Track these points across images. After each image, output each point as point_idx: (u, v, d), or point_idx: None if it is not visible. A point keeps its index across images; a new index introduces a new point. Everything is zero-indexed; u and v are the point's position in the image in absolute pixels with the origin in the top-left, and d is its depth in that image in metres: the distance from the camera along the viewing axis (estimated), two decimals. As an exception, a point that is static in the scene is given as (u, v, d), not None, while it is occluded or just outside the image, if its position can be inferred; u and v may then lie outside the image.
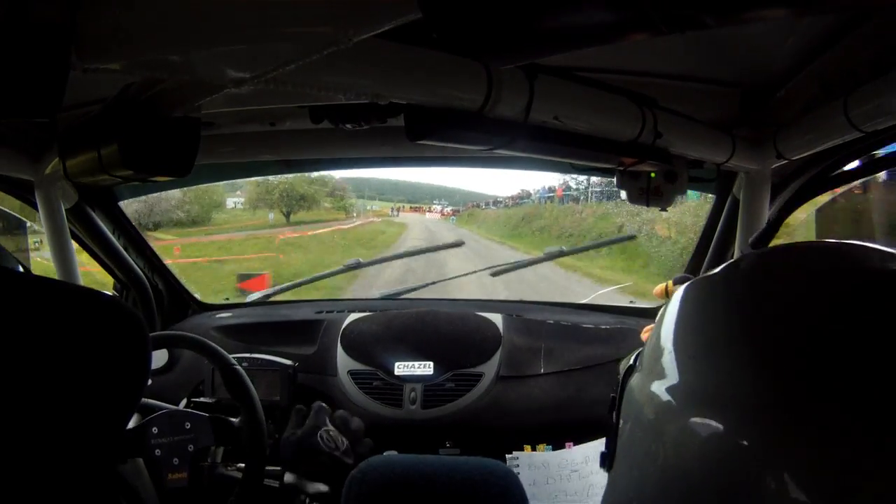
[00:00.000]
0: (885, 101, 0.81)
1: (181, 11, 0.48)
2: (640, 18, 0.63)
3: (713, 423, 0.37)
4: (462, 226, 22.72)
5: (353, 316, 1.58)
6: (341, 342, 1.50)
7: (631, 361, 0.51)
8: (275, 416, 1.34)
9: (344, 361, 1.47)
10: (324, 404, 1.24)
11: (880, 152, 0.98)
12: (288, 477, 1.15)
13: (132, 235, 1.62)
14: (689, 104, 1.03)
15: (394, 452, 1.34)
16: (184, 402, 1.38)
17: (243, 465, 1.15)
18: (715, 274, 0.45)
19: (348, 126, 0.84)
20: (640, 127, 0.90)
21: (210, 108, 0.76)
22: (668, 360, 0.43)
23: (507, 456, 1.29)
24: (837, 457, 0.32)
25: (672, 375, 0.42)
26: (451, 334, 1.49)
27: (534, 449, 1.30)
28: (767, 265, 0.44)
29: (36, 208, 1.34)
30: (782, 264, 0.44)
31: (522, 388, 1.42)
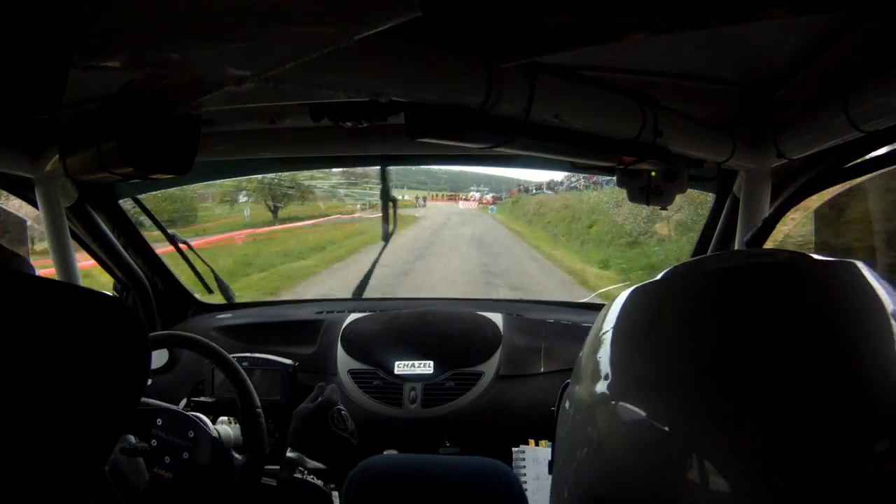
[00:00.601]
0: (885, 101, 0.81)
1: (181, 9, 0.48)
2: (640, 18, 0.64)
3: (637, 408, 0.39)
4: (505, 220, 16.30)
5: (353, 316, 1.58)
6: (341, 342, 1.50)
7: (570, 379, 0.55)
8: (275, 416, 1.34)
9: (344, 361, 1.47)
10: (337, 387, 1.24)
11: (880, 152, 0.98)
12: (290, 453, 1.14)
13: (132, 235, 1.62)
14: (689, 103, 1.03)
15: (393, 452, 1.34)
16: (184, 401, 1.38)
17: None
18: (650, 281, 0.48)
19: (348, 124, 0.84)
20: (641, 125, 0.90)
21: (210, 106, 0.76)
22: (604, 357, 0.46)
23: (513, 449, 1.29)
24: (754, 444, 0.34)
25: (606, 371, 0.45)
26: (451, 333, 1.49)
27: (537, 444, 1.30)
28: (695, 267, 0.48)
29: (36, 206, 1.34)
30: (709, 266, 0.48)
31: (522, 387, 1.42)
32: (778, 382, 0.35)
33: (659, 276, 0.48)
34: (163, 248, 1.75)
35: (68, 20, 0.47)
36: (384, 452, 1.32)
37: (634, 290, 0.48)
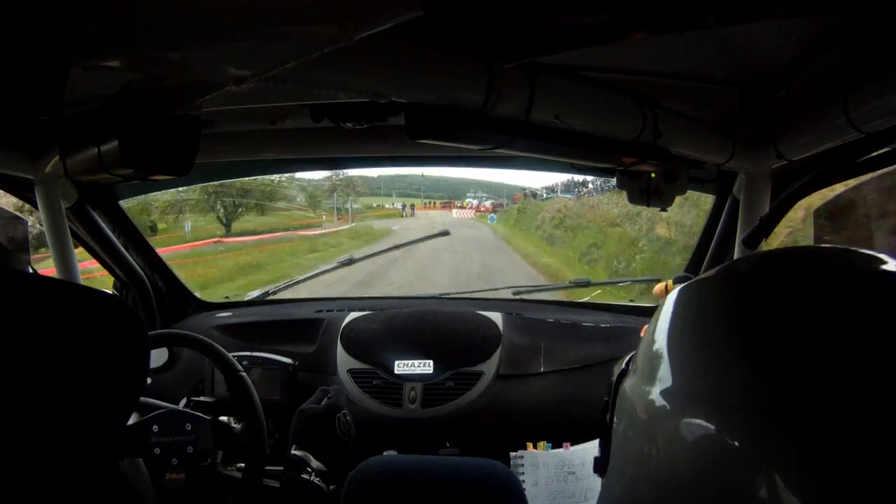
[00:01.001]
0: (885, 102, 0.81)
1: (182, 9, 0.48)
2: (640, 18, 0.64)
3: (705, 423, 0.37)
4: (509, 235, 13.72)
5: (353, 315, 1.58)
6: (341, 341, 1.50)
7: (623, 365, 0.51)
8: (274, 415, 1.34)
9: (344, 360, 1.47)
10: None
11: (880, 152, 0.98)
12: (295, 451, 1.15)
13: (132, 235, 1.62)
14: (689, 104, 1.03)
15: (393, 452, 1.34)
16: (183, 401, 1.38)
17: (243, 465, 1.15)
18: (709, 276, 0.45)
19: (349, 125, 0.84)
20: (641, 126, 0.90)
21: (210, 107, 0.76)
22: (661, 361, 0.43)
23: (511, 454, 1.29)
24: (830, 461, 0.32)
25: (665, 377, 0.42)
26: (451, 333, 1.49)
27: (535, 446, 1.30)
28: (761, 268, 0.45)
29: (36, 207, 1.34)
30: (775, 268, 0.44)
31: (522, 386, 1.42)
32: (860, 397, 0.33)
33: (719, 271, 0.45)
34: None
35: (68, 20, 0.47)
36: (384, 453, 1.32)
37: (696, 284, 0.46)
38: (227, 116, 1.05)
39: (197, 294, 1.82)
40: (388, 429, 1.38)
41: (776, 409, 0.34)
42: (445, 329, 1.50)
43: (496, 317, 1.54)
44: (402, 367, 1.42)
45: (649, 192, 1.12)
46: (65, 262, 1.37)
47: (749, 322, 0.39)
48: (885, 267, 0.40)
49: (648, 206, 1.14)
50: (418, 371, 1.41)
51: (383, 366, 1.43)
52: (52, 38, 0.47)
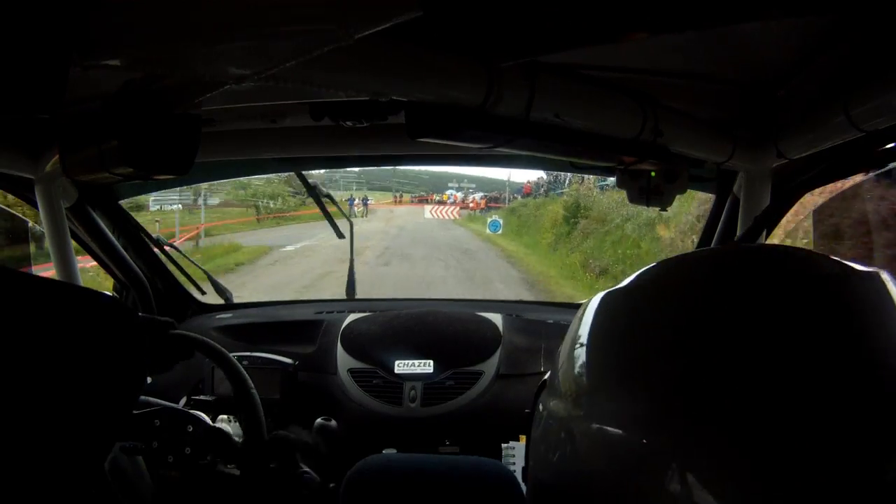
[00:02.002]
0: (885, 101, 0.81)
1: (182, 8, 0.48)
2: (640, 17, 0.64)
3: (614, 417, 0.38)
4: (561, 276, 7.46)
5: (353, 316, 1.58)
6: (341, 341, 1.50)
7: (545, 378, 0.53)
8: (274, 414, 1.34)
9: (344, 360, 1.47)
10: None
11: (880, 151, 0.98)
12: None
13: (132, 235, 1.62)
14: (689, 103, 1.03)
15: (392, 451, 1.34)
16: (183, 400, 1.38)
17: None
18: (619, 287, 0.47)
19: (349, 123, 0.84)
20: (641, 125, 0.90)
21: (211, 105, 0.76)
22: (577, 363, 0.45)
23: (503, 445, 1.28)
24: (739, 460, 0.33)
25: (580, 376, 0.43)
26: (450, 333, 1.49)
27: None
28: (673, 272, 0.46)
29: (36, 207, 1.34)
30: (683, 273, 0.45)
31: (522, 386, 1.42)
32: (774, 393, 0.33)
33: (630, 280, 0.46)
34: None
35: (69, 20, 0.47)
36: (383, 451, 1.32)
37: (607, 294, 0.47)
38: (227, 115, 1.04)
39: (196, 296, 1.82)
40: (387, 427, 1.38)
41: (688, 404, 0.35)
42: (445, 329, 1.50)
43: (496, 317, 1.54)
44: (403, 366, 1.42)
45: (649, 191, 1.12)
46: (64, 262, 1.37)
47: (659, 325, 0.41)
48: (797, 268, 0.41)
49: (648, 205, 1.14)
50: (418, 370, 1.42)
51: (383, 365, 1.43)
52: (53, 37, 0.47)
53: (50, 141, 1.19)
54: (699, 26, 0.65)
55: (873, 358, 0.34)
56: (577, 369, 0.44)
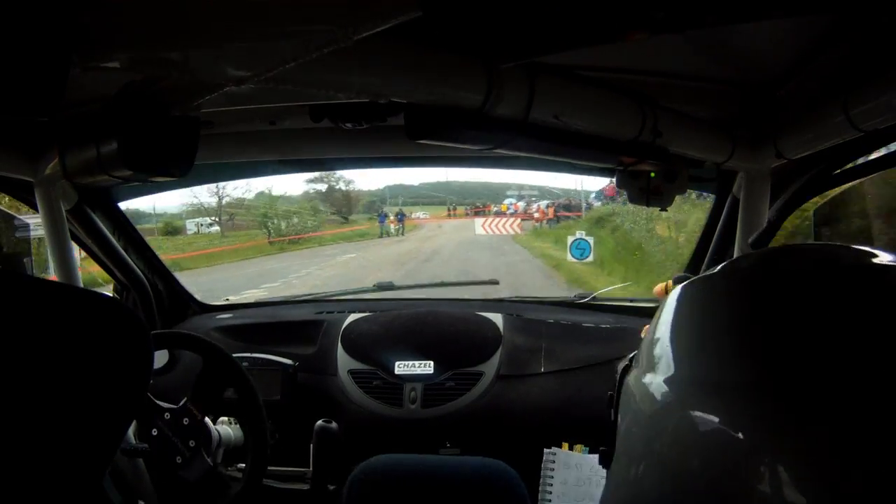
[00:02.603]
0: (885, 101, 0.81)
1: (181, 9, 0.48)
2: (640, 18, 0.64)
3: (709, 416, 0.37)
4: None
5: (354, 316, 1.58)
6: (342, 342, 1.50)
7: (627, 360, 0.51)
8: (274, 416, 1.34)
9: (344, 361, 1.47)
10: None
11: (880, 152, 0.98)
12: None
13: (132, 236, 1.62)
14: (689, 103, 1.03)
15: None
16: (184, 401, 1.38)
17: (243, 465, 1.15)
18: (711, 273, 0.46)
19: (348, 125, 0.84)
20: (640, 126, 0.90)
21: (210, 107, 0.76)
22: (664, 356, 0.43)
23: (545, 450, 1.27)
24: (830, 453, 0.32)
25: (668, 371, 0.42)
26: (451, 334, 1.49)
27: (571, 448, 1.28)
28: (761, 265, 0.45)
29: (36, 209, 1.34)
30: (775, 264, 0.44)
31: (522, 387, 1.42)
32: (863, 392, 0.33)
33: (720, 268, 0.45)
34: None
35: (68, 21, 0.47)
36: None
37: (699, 280, 0.46)
38: (227, 117, 1.04)
39: (197, 296, 1.82)
40: (388, 429, 1.38)
41: (777, 402, 0.35)
42: (446, 330, 1.50)
43: (496, 317, 1.54)
44: (403, 367, 1.42)
45: (649, 191, 1.12)
46: (64, 264, 1.37)
47: (750, 314, 0.40)
48: (875, 261, 0.41)
49: (648, 205, 1.14)
50: (419, 371, 1.41)
51: (384, 366, 1.43)
52: (52, 38, 0.47)
53: (49, 143, 1.19)
54: (699, 27, 0.65)
55: None
56: (669, 357, 0.43)
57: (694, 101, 1.04)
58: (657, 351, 0.44)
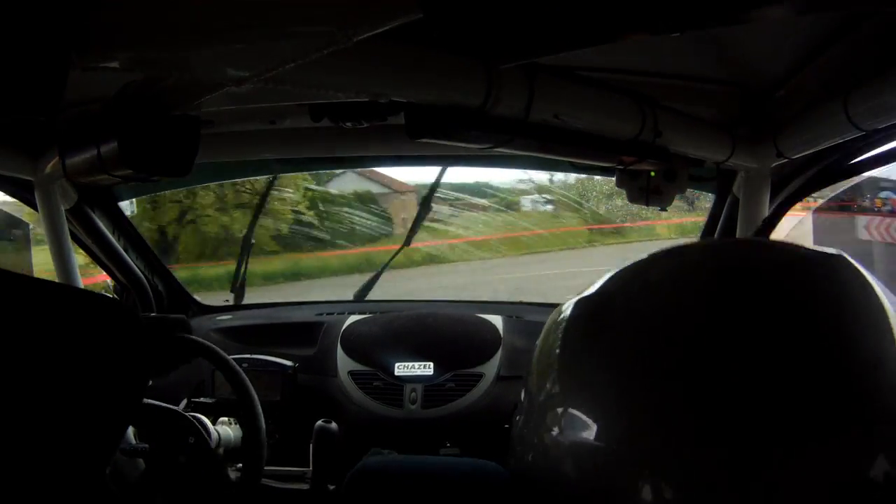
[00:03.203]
0: (885, 101, 0.81)
1: (181, 9, 0.48)
2: (639, 18, 0.64)
3: (587, 420, 0.38)
4: None
5: (354, 318, 1.58)
6: (341, 343, 1.50)
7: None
8: (274, 417, 1.34)
9: (344, 362, 1.47)
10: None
11: (880, 150, 0.98)
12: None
13: (132, 236, 1.62)
14: (689, 103, 1.03)
15: (393, 453, 1.34)
16: (184, 402, 1.38)
17: (242, 465, 1.15)
18: (594, 291, 0.47)
19: (348, 124, 0.84)
20: (640, 125, 0.90)
21: (210, 107, 0.76)
22: (548, 368, 0.45)
23: None
24: (706, 461, 0.33)
25: (551, 383, 0.44)
26: (451, 335, 1.49)
27: None
28: (635, 275, 0.46)
29: (36, 208, 1.34)
30: (651, 266, 0.46)
31: (522, 388, 1.42)
32: (728, 400, 0.33)
33: (598, 286, 0.46)
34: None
35: (68, 21, 0.47)
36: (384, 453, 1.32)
37: (580, 300, 0.47)
38: (227, 117, 1.04)
39: (197, 297, 1.82)
40: (388, 429, 1.38)
41: (645, 410, 0.36)
42: (446, 331, 1.50)
43: (496, 319, 1.54)
44: (403, 368, 1.42)
45: (649, 190, 1.12)
46: (64, 264, 1.37)
47: (624, 327, 0.41)
48: (771, 259, 0.41)
49: (648, 205, 1.14)
50: (419, 372, 1.41)
51: (384, 367, 1.43)
52: (52, 38, 0.47)
53: (49, 143, 1.19)
54: (699, 27, 0.65)
55: (840, 343, 0.35)
56: (549, 374, 0.45)
57: (694, 101, 1.04)
58: (542, 365, 0.47)
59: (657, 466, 0.34)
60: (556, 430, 0.40)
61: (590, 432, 0.37)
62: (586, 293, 0.47)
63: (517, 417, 0.50)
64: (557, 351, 0.45)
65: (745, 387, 0.33)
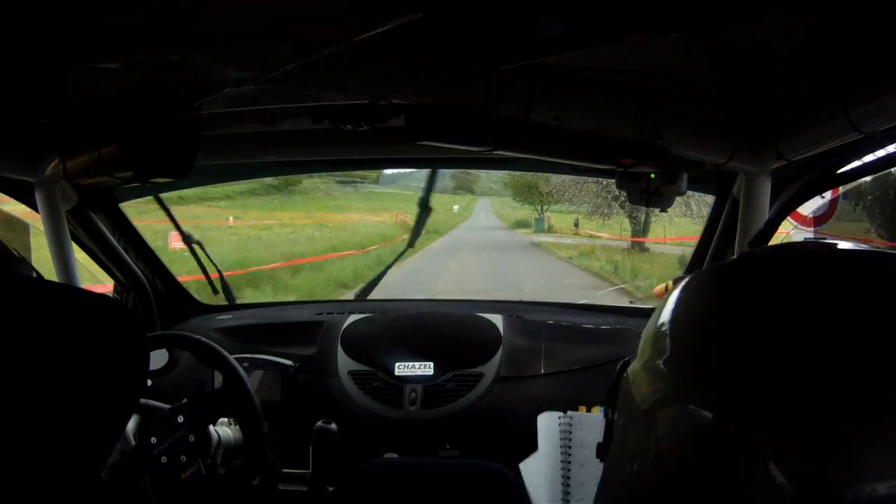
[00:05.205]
0: (885, 101, 0.81)
1: (182, 11, 0.48)
2: (639, 19, 0.64)
3: (704, 411, 0.37)
4: None
5: (354, 317, 1.58)
6: (341, 343, 1.50)
7: (628, 358, 0.51)
8: (274, 416, 1.34)
9: (344, 362, 1.47)
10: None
11: (880, 153, 0.98)
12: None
13: (132, 237, 1.62)
14: (689, 105, 1.03)
15: (394, 455, 1.33)
16: (184, 402, 1.38)
17: (244, 464, 1.15)
18: (714, 268, 0.46)
19: (348, 127, 0.84)
20: (640, 127, 0.91)
21: (210, 109, 0.76)
22: (662, 351, 0.43)
23: (560, 416, 1.19)
24: (822, 444, 0.32)
25: (665, 366, 0.42)
26: (451, 335, 1.49)
27: (589, 410, 1.21)
28: (763, 261, 0.45)
29: (36, 210, 1.34)
30: (777, 261, 0.44)
31: (523, 388, 1.42)
32: (864, 388, 0.33)
33: (719, 265, 0.46)
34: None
35: (69, 23, 0.47)
36: (384, 455, 1.32)
37: (695, 276, 0.46)
38: (227, 118, 1.05)
39: (197, 297, 1.82)
40: (388, 430, 1.38)
41: (772, 396, 0.35)
42: (446, 331, 1.50)
43: (496, 318, 1.54)
44: (403, 368, 1.42)
45: (649, 192, 1.12)
46: (65, 265, 1.37)
47: (749, 312, 0.40)
48: (873, 263, 0.40)
49: (648, 206, 1.14)
50: (419, 372, 1.41)
51: (384, 367, 1.43)
52: (53, 40, 0.47)
53: (50, 144, 1.19)
54: (699, 28, 0.65)
55: None
56: (668, 349, 0.43)
57: (694, 103, 1.04)
58: (654, 347, 0.44)
59: (769, 451, 0.33)
60: (679, 406, 0.39)
61: (711, 417, 0.37)
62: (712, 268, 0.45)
63: (624, 393, 0.47)
64: (676, 327, 0.43)
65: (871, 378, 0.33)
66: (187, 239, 1.71)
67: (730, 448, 0.35)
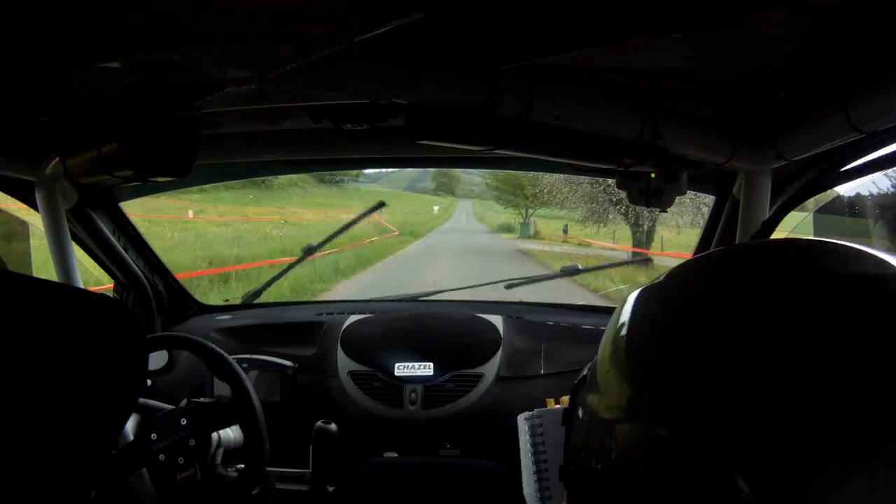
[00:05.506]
0: (885, 102, 0.81)
1: (183, 10, 0.48)
2: (640, 20, 0.64)
3: (659, 428, 0.37)
4: None
5: (354, 318, 1.58)
6: (341, 343, 1.50)
7: (584, 372, 0.51)
8: (274, 417, 1.34)
9: (344, 362, 1.47)
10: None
11: (880, 153, 0.98)
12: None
13: (133, 237, 1.62)
14: (689, 105, 1.03)
15: (394, 454, 1.33)
16: (184, 402, 1.38)
17: (243, 465, 1.15)
18: (659, 281, 0.45)
19: (349, 126, 0.84)
20: (641, 127, 0.91)
21: (211, 108, 0.76)
22: (617, 366, 0.43)
23: (526, 414, 1.09)
24: (784, 457, 0.32)
25: (620, 382, 0.42)
26: (451, 335, 1.49)
27: (557, 402, 1.11)
28: (712, 268, 0.44)
29: (36, 209, 1.34)
30: (725, 267, 0.43)
31: (522, 388, 1.42)
32: (817, 397, 0.32)
33: (666, 275, 0.44)
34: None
35: (69, 22, 0.47)
36: (384, 455, 1.32)
37: (645, 291, 0.45)
38: (227, 117, 1.05)
39: (196, 297, 1.82)
40: (388, 430, 1.38)
41: (731, 411, 0.34)
42: (445, 331, 1.50)
43: (496, 319, 1.54)
44: (403, 368, 1.42)
45: (649, 192, 1.12)
46: (64, 264, 1.37)
47: (701, 323, 0.39)
48: (839, 266, 0.39)
49: (648, 206, 1.14)
50: (419, 373, 1.41)
51: (384, 368, 1.43)
52: (53, 39, 0.47)
53: (50, 143, 1.19)
54: (699, 29, 0.65)
55: None
56: (621, 372, 0.42)
57: (694, 103, 1.04)
58: (608, 364, 0.44)
59: (731, 465, 0.33)
60: (632, 424, 0.39)
61: (671, 434, 0.36)
62: (654, 282, 0.45)
63: (575, 430, 0.47)
64: (629, 347, 0.43)
65: (832, 387, 0.33)
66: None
67: (690, 462, 0.35)
